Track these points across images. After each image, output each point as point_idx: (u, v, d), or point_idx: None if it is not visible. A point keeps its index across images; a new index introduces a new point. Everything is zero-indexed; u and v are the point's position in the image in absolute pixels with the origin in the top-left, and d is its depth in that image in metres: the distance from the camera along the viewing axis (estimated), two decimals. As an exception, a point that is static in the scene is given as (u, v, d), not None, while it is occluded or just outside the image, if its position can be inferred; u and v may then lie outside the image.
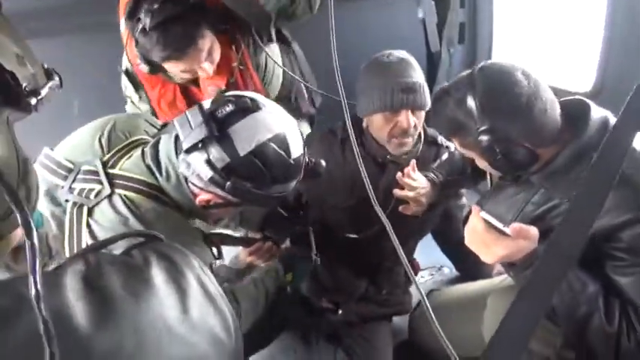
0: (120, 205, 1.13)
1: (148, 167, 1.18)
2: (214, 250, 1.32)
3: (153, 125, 1.36)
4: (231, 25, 1.75)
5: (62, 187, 1.16)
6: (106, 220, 1.12)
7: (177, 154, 1.15)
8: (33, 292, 0.45)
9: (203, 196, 1.18)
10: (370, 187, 0.98)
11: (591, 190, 0.79)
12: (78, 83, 2.39)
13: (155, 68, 1.67)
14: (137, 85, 1.88)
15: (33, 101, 0.55)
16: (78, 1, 2.44)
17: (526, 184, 1.30)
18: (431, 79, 2.87)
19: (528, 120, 1.17)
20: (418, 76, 1.58)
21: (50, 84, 0.58)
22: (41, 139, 1.20)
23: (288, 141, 1.16)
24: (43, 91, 0.56)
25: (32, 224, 0.47)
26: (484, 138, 1.17)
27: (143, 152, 1.20)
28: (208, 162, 1.10)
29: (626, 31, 1.84)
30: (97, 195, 1.14)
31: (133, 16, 1.54)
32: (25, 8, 2.09)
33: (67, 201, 1.15)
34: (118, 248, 0.87)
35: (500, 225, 1.16)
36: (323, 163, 1.30)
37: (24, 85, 0.54)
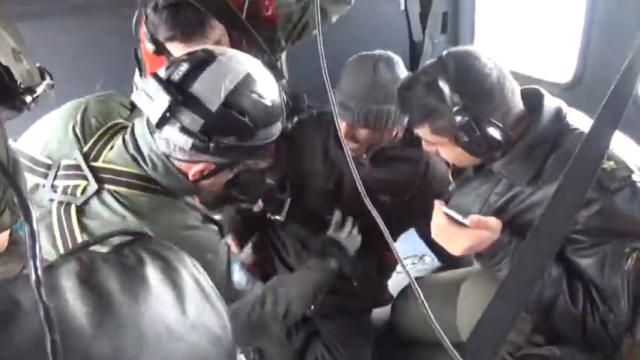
0: (113, 203, 1.07)
1: (133, 157, 1.12)
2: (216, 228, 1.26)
3: (124, 106, 1.29)
4: (242, 33, 1.72)
5: (43, 186, 1.09)
6: (103, 221, 1.07)
7: (151, 134, 1.10)
8: (33, 278, 0.44)
9: (195, 168, 1.12)
10: (360, 181, 0.95)
11: (570, 186, 0.80)
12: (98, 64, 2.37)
13: (160, 48, 1.63)
14: (142, 69, 1.85)
15: (28, 99, 0.53)
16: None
17: (488, 175, 1.33)
18: (414, 70, 2.87)
19: (500, 99, 1.19)
20: (371, 96, 1.54)
21: (45, 83, 0.56)
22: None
23: (258, 82, 1.10)
24: (39, 89, 0.54)
25: (31, 208, 0.46)
26: (459, 118, 1.17)
27: (124, 140, 1.14)
28: (183, 129, 1.03)
29: (606, 22, 1.85)
30: (83, 192, 1.08)
31: None
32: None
33: (51, 200, 1.08)
34: (105, 246, 0.86)
35: (460, 218, 1.20)
36: (305, 96, 1.27)
37: (19, 81, 0.52)
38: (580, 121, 1.24)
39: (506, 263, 1.19)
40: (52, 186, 1.09)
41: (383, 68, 1.56)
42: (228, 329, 0.60)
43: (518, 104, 1.24)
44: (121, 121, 1.22)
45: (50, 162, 1.11)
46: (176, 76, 1.03)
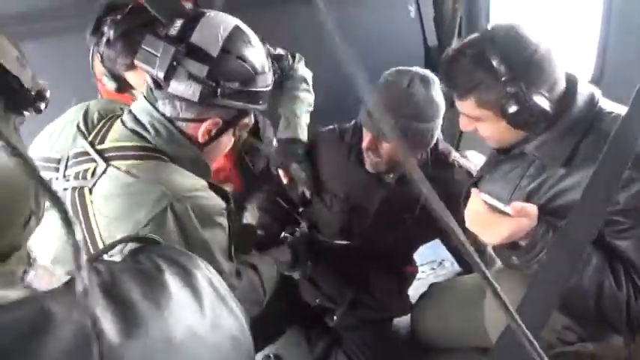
0: (118, 175, 1.10)
1: (133, 131, 1.16)
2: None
3: (124, 107, 1.32)
4: None
5: (57, 179, 1.13)
6: (107, 194, 1.09)
7: (152, 104, 1.15)
8: (80, 288, 0.44)
9: (203, 127, 1.16)
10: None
11: (607, 169, 0.79)
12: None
13: (122, 85, 1.63)
14: None
15: (42, 105, 0.55)
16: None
17: (518, 158, 1.32)
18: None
19: (548, 71, 1.18)
20: (402, 112, 1.51)
21: (47, 86, 0.57)
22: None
23: (246, 32, 1.17)
24: (47, 93, 0.56)
25: (71, 217, 0.46)
26: (508, 88, 1.15)
27: (122, 120, 1.18)
28: (191, 76, 1.08)
29: (623, 21, 1.83)
30: (93, 173, 1.11)
31: (97, 31, 1.55)
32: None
33: (65, 190, 1.12)
34: (116, 254, 0.86)
35: (501, 205, 1.18)
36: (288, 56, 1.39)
37: (28, 88, 0.54)
38: (613, 106, 1.22)
39: (543, 256, 1.16)
40: (64, 176, 1.13)
41: (418, 85, 1.53)
42: (246, 330, 0.62)
43: (562, 80, 1.22)
44: (121, 113, 1.25)
45: (60, 156, 1.16)
46: (173, 31, 1.09)
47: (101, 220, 1.09)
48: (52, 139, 1.20)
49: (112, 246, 0.70)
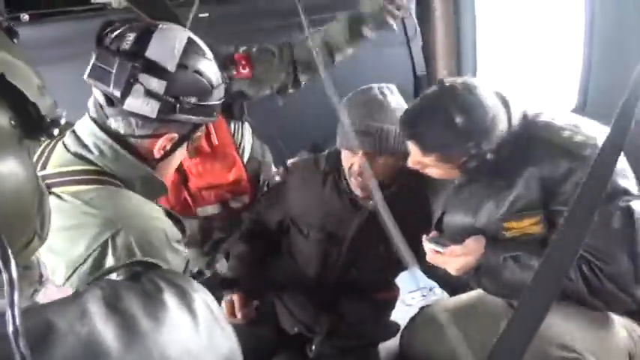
0: (59, 205, 1.03)
1: (76, 155, 1.09)
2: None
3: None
4: None
5: None
6: (56, 225, 1.02)
7: (97, 123, 1.08)
8: (11, 328, 0.44)
9: (159, 143, 1.11)
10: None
11: (581, 208, 0.81)
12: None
13: None
14: None
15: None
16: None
17: (475, 182, 1.43)
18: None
19: (499, 129, 1.31)
20: (387, 119, 1.54)
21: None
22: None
23: (199, 45, 1.14)
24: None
25: (11, 255, 0.47)
26: (473, 150, 1.29)
27: (64, 144, 1.11)
28: (149, 94, 1.03)
29: (605, 48, 1.88)
30: None
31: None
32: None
33: None
34: (121, 275, 0.87)
35: (440, 249, 1.39)
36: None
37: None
38: (548, 116, 1.36)
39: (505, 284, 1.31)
40: None
41: (389, 94, 1.58)
42: (237, 351, 0.64)
43: (505, 125, 1.34)
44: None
45: None
46: (126, 46, 1.03)
47: (44, 254, 1.01)
48: None
49: (123, 266, 0.71)
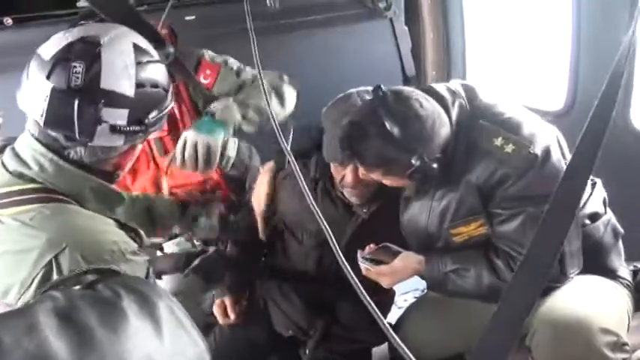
0: None
1: (14, 174, 1.01)
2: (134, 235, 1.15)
3: None
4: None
5: None
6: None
7: (56, 144, 1.02)
8: None
9: (120, 157, 1.10)
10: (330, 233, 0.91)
11: (554, 219, 0.81)
12: None
13: None
14: None
15: None
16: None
17: (423, 192, 1.47)
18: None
19: (439, 132, 1.33)
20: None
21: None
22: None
23: (144, 47, 1.08)
24: None
25: None
26: (416, 162, 1.28)
27: (3, 163, 1.04)
28: (114, 128, 1.00)
29: (592, 49, 1.89)
30: None
31: None
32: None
33: None
34: (73, 285, 0.82)
35: (369, 266, 1.50)
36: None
37: None
38: (488, 110, 1.40)
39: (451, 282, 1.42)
40: None
41: (368, 95, 1.53)
42: (204, 354, 0.63)
43: (447, 130, 1.36)
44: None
45: None
46: (78, 81, 0.96)
47: None
48: None
49: (75, 275, 0.69)
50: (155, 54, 1.12)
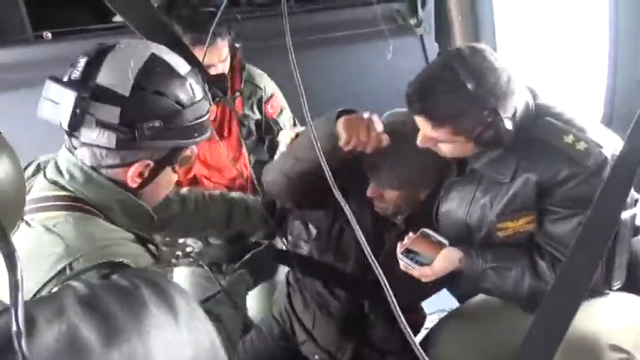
0: (25, 232, 0.98)
1: (50, 181, 1.04)
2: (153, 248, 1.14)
3: None
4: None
5: None
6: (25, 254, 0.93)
7: (71, 151, 1.03)
8: (14, 329, 0.46)
9: (131, 171, 1.03)
10: (366, 243, 0.88)
11: (598, 221, 0.78)
12: None
13: None
14: None
15: None
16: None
17: (470, 176, 1.41)
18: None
19: (514, 96, 1.25)
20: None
21: None
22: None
23: (166, 59, 1.02)
24: None
25: (17, 259, 0.49)
26: (489, 118, 1.21)
27: (44, 173, 1.07)
28: (100, 124, 0.95)
29: (630, 63, 1.83)
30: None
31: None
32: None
33: None
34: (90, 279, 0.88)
35: (412, 266, 1.40)
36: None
37: None
38: (549, 104, 1.34)
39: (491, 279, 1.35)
40: None
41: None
42: (218, 344, 0.66)
43: (520, 101, 1.30)
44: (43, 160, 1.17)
45: None
46: (76, 74, 0.97)
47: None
48: None
49: (84, 271, 0.70)
50: (183, 70, 1.06)
